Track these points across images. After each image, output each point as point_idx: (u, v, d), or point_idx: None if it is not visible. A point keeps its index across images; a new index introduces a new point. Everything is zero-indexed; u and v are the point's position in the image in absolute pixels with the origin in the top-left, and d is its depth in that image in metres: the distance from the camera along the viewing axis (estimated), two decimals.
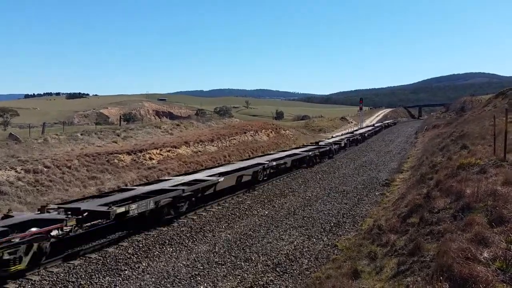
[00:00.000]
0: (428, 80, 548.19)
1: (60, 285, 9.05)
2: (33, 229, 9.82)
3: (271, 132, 43.76)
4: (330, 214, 14.90)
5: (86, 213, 11.36)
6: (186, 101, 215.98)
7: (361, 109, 74.07)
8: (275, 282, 9.33)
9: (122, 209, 11.68)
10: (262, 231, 13.10)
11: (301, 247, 11.60)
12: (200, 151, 30.59)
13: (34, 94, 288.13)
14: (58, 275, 9.57)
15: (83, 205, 12.11)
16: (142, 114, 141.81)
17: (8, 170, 19.43)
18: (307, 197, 17.70)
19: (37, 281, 9.24)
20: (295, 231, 13.05)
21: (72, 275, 9.58)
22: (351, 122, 77.72)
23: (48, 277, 9.46)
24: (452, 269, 5.21)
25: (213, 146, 32.80)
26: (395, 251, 8.10)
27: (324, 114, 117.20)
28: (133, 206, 12.18)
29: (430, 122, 62.06)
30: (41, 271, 9.73)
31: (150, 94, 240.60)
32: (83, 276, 9.58)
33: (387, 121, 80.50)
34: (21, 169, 19.84)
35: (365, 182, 20.77)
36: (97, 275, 9.63)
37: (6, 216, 10.87)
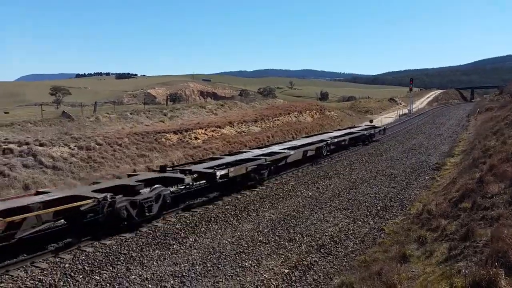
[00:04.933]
0: (482, 61, 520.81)
1: (112, 257, 9.49)
2: (157, 185, 12.21)
3: (316, 113, 43.33)
4: (377, 198, 14.68)
5: (195, 174, 13.86)
6: (229, 81, 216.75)
7: (411, 90, 71.73)
8: (319, 263, 9.35)
9: (224, 171, 14.27)
10: (306, 212, 13.11)
11: (346, 229, 11.52)
12: (244, 132, 30.82)
13: (85, 73, 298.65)
14: (110, 247, 10.04)
15: (192, 167, 14.96)
16: (188, 94, 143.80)
17: (62, 146, 20.37)
18: (352, 180, 17.49)
19: (91, 252, 9.74)
20: (340, 213, 12.97)
21: (124, 248, 10.02)
22: (400, 104, 75.44)
23: (101, 249, 9.95)
24: (507, 255, 5.04)
25: (257, 126, 32.94)
26: (445, 236, 7.89)
27: (371, 95, 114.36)
28: (232, 169, 14.71)
29: (483, 104, 59.26)
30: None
31: (195, 74, 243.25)
32: (134, 248, 10.00)
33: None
34: (75, 146, 20.75)
35: (414, 166, 20.23)
36: (147, 248, 10.02)
37: (133, 175, 13.90)
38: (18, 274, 8.56)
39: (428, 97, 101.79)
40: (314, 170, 19.48)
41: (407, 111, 60.53)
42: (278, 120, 36.23)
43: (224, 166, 15.54)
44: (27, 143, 19.35)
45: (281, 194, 15.19)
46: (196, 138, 26.82)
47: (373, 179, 17.64)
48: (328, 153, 22.59)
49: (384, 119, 49.56)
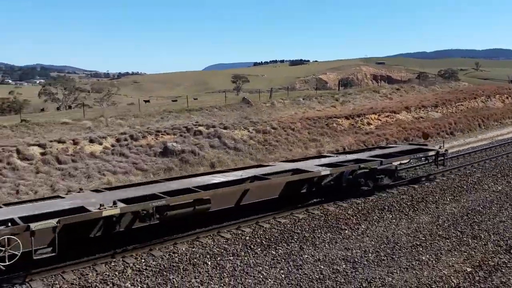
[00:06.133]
0: None
1: (286, 235, 9.99)
2: None
3: (507, 97, 38.13)
4: None
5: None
6: (406, 63, 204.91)
7: None
8: (508, 265, 8.34)
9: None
10: (493, 208, 11.74)
11: None
12: (421, 117, 28.95)
13: (261, 62, 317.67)
14: (285, 225, 10.57)
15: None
16: (359, 79, 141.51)
17: (242, 130, 22.14)
18: None
19: (268, 228, 10.39)
20: None
21: (297, 227, 10.45)
22: None
23: (277, 226, 10.55)
24: None
25: (437, 112, 30.57)
26: None
27: None
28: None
29: None
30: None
31: (368, 58, 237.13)
32: (307, 229, 10.34)
33: None
34: (253, 129, 22.36)
35: None
36: (319, 230, 10.25)
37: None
38: (207, 242, 9.66)
39: None
40: (505, 162, 17.22)
41: None
42: (462, 105, 32.97)
43: None
44: (213, 126, 21.60)
45: (464, 187, 13.86)
46: (368, 123, 26.22)
47: None
48: None
49: None
